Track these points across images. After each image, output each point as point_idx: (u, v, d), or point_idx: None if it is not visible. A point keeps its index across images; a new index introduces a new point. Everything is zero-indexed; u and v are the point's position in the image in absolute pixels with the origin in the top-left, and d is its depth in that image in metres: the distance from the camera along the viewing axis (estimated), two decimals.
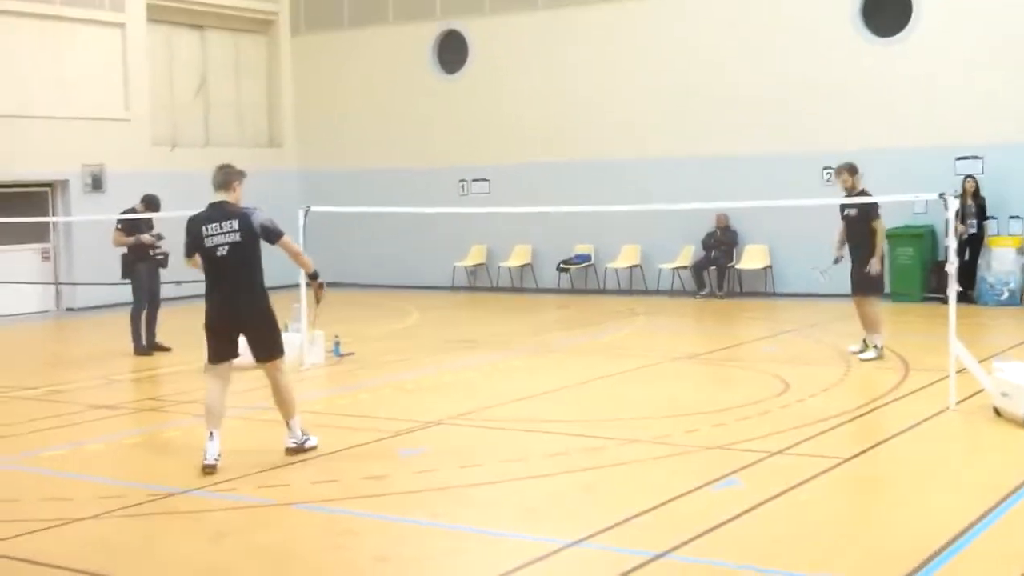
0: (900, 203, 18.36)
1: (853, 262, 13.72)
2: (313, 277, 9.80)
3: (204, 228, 9.22)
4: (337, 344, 14.78)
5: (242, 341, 9.41)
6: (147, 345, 15.66)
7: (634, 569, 6.42)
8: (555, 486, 8.43)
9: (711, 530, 7.06)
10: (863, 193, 13.56)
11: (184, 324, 17.11)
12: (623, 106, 22.81)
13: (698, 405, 11.22)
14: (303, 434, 9.51)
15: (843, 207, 13.68)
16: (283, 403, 9.47)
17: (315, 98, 26.70)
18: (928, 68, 20.06)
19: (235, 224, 9.15)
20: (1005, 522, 7.18)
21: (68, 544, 7.26)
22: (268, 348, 9.41)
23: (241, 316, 9.27)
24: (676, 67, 22.27)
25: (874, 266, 13.39)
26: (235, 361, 9.48)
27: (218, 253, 9.17)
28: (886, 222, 19.41)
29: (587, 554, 6.79)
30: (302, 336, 13.90)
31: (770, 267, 21.32)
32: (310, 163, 26.47)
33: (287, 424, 9.50)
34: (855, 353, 13.60)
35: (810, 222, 18.59)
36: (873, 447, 9.23)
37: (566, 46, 23.49)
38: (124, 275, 15.80)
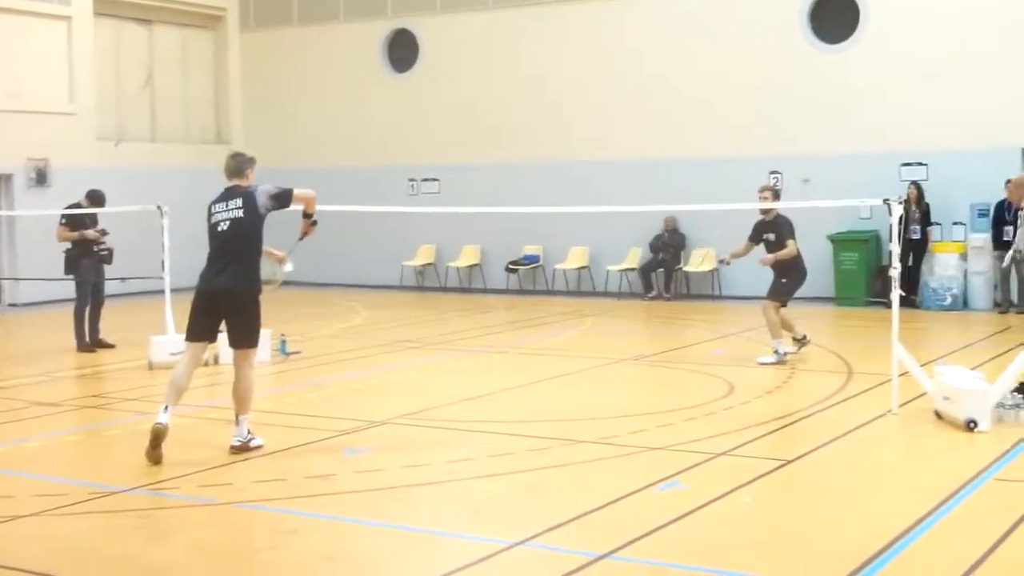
0: (845, 208, 18.54)
1: (773, 277, 13.97)
2: (308, 216, 9.77)
3: (212, 207, 9.42)
4: (284, 343, 14.71)
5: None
6: (90, 342, 15.50)
7: (578, 569, 6.44)
8: (500, 486, 8.43)
9: (655, 531, 7.09)
10: (778, 217, 13.79)
11: (128, 321, 17.02)
12: (573, 107, 22.87)
13: (643, 406, 11.27)
14: (249, 433, 9.45)
15: (762, 233, 13.89)
16: (241, 396, 9.43)
17: (264, 95, 26.55)
18: (874, 75, 20.29)
19: (240, 201, 9.32)
20: (946, 524, 7.27)
21: (8, 542, 7.16)
22: (244, 335, 9.43)
23: (226, 293, 9.27)
24: (627, 69, 22.37)
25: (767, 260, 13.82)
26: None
27: (219, 228, 9.31)
28: (832, 227, 19.80)
29: (531, 554, 6.80)
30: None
31: (717, 270, 21.46)
32: (258, 160, 26.16)
33: (236, 419, 9.44)
34: (794, 351, 13.89)
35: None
36: (815, 450, 9.31)
37: (517, 46, 23.53)
38: (68, 271, 15.63)
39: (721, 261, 15.01)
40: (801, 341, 13.96)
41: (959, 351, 14.41)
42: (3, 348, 17.80)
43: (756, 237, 14.02)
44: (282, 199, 9.47)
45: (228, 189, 9.48)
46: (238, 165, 9.55)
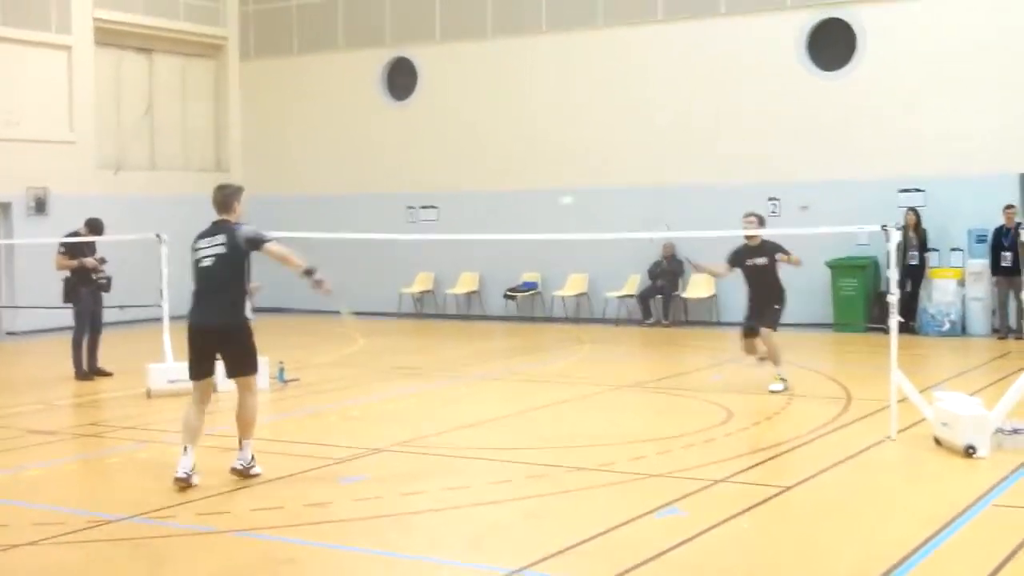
0: (843, 235, 18.57)
1: (759, 304, 13.78)
2: (308, 273, 9.46)
3: (197, 242, 9.46)
4: (282, 370, 14.70)
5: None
6: (88, 370, 15.48)
7: None
8: (499, 514, 8.41)
9: (654, 558, 7.07)
10: (764, 242, 13.72)
11: (126, 349, 17.00)
12: (571, 135, 22.93)
13: (642, 433, 11.26)
14: (252, 460, 9.44)
15: (746, 258, 13.75)
16: (244, 422, 9.46)
17: (263, 123, 26.62)
18: (872, 102, 20.36)
19: (223, 237, 9.32)
20: (945, 551, 7.25)
21: (6, 571, 7.14)
22: (240, 364, 9.45)
23: (216, 328, 9.31)
24: (625, 97, 22.44)
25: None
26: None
27: (202, 264, 9.35)
28: (830, 253, 19.82)
29: None
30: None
31: (715, 296, 21.46)
32: (257, 188, 26.16)
33: (240, 444, 9.44)
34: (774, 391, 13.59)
35: None
36: (814, 476, 9.29)
37: (516, 74, 23.61)
38: (66, 299, 15.63)
39: (688, 259, 14.94)
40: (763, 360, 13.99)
41: (958, 377, 14.41)
42: (1, 376, 17.77)
43: (736, 262, 13.90)
44: (254, 243, 9.33)
45: (214, 224, 9.49)
46: (225, 198, 9.55)
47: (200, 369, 9.44)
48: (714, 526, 7.80)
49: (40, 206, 22.56)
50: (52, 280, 16.06)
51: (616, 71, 22.58)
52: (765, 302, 13.75)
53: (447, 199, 24.20)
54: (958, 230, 19.70)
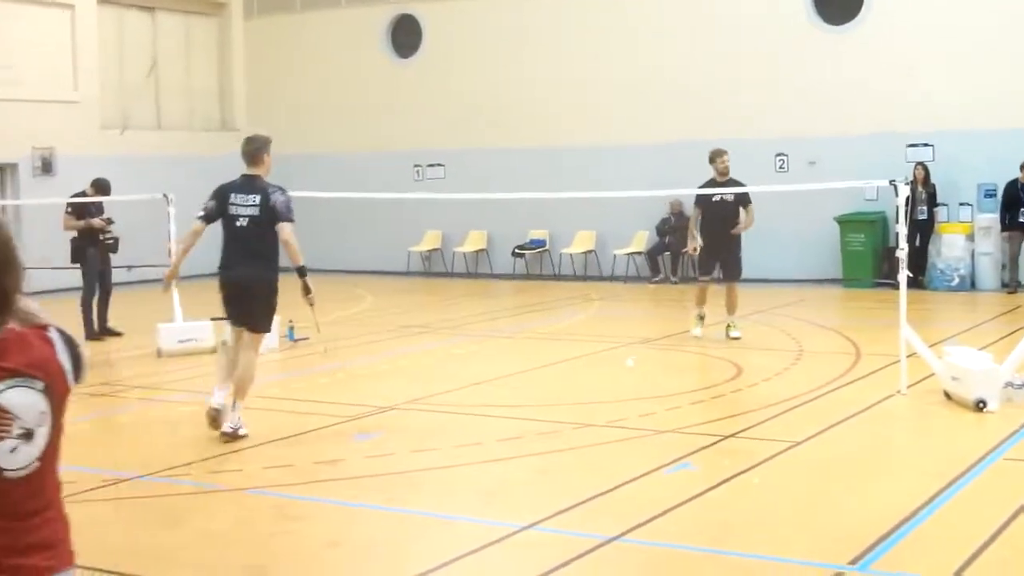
0: (852, 190, 18.52)
1: (719, 246, 13.97)
2: (300, 273, 9.59)
3: (232, 196, 9.52)
4: (291, 329, 14.70)
5: None
6: (99, 330, 15.50)
7: (588, 552, 6.45)
8: (509, 470, 8.44)
9: (664, 513, 7.10)
10: (731, 180, 13.95)
11: (136, 309, 17.01)
12: (578, 92, 22.82)
13: (651, 390, 11.27)
14: (240, 421, 9.37)
15: (714, 194, 13.90)
16: (241, 382, 9.46)
17: (268, 82, 26.52)
18: (880, 56, 20.22)
19: (257, 199, 9.42)
20: (954, 504, 7.27)
21: None
22: (254, 319, 9.61)
23: (243, 284, 9.49)
24: (630, 53, 22.31)
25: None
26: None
27: (237, 223, 9.45)
28: (839, 209, 19.77)
29: (541, 537, 6.81)
30: None
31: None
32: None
33: (233, 404, 9.40)
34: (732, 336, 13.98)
35: (763, 208, 18.70)
36: (824, 431, 9.31)
37: (521, 30, 23.47)
38: (74, 260, 15.63)
39: (685, 252, 14.91)
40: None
41: (967, 331, 14.39)
42: None
43: (704, 199, 13.99)
44: (275, 217, 9.42)
45: (247, 179, 9.59)
46: (254, 151, 9.65)
47: (235, 320, 9.70)
48: (724, 481, 7.83)
49: (46, 166, 22.53)
50: (60, 241, 16.06)
51: (622, 27, 22.42)
52: (727, 248, 13.95)
53: (454, 157, 24.13)
54: (967, 185, 19.62)
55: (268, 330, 9.83)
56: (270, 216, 9.39)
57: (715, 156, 14.13)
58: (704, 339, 13.96)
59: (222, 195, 9.57)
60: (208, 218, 9.59)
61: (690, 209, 21.37)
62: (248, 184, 9.55)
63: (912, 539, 6.59)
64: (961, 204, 19.71)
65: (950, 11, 19.74)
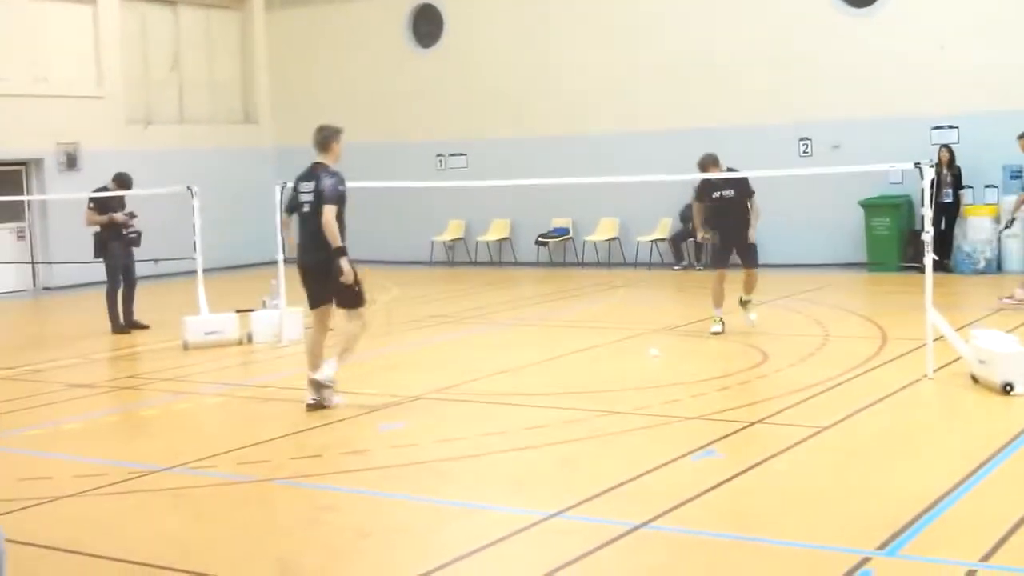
0: (876, 173, 18.44)
1: (732, 237, 13.61)
2: (335, 255, 9.84)
3: (298, 184, 10.15)
4: None
5: None
6: (124, 323, 15.59)
7: (615, 539, 6.45)
8: (535, 458, 8.45)
9: (691, 500, 7.10)
10: (730, 169, 13.57)
11: (162, 302, 17.11)
12: (599, 79, 22.77)
13: (676, 376, 11.25)
14: (333, 381, 9.93)
15: (712, 191, 13.46)
16: (342, 349, 10.05)
17: (290, 74, 26.57)
18: (903, 38, 20.09)
19: (314, 185, 9.96)
20: (982, 488, 7.24)
21: (49, 523, 7.24)
22: (341, 299, 10.05)
23: (313, 267, 9.98)
24: (653, 39, 22.24)
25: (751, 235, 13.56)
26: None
27: (303, 209, 10.07)
28: (863, 192, 19.68)
29: (568, 525, 6.82)
30: (280, 312, 13.87)
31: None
32: (286, 139, 26.29)
33: (333, 358, 9.96)
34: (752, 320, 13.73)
35: (787, 192, 18.68)
36: (851, 416, 9.27)
37: (542, 18, 23.42)
38: (97, 254, 15.73)
39: (696, 239, 14.58)
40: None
41: (993, 314, 14.30)
42: (38, 331, 17.96)
43: (704, 193, 13.65)
44: (320, 199, 9.86)
45: (311, 167, 10.09)
46: (324, 139, 10.17)
47: (314, 299, 10.15)
48: (751, 467, 7.81)
49: (71, 162, 22.65)
50: (85, 235, 16.16)
51: (644, 12, 22.34)
52: (739, 238, 13.54)
53: (476, 146, 24.12)
54: (992, 167, 19.48)
55: (357, 306, 10.12)
56: (321, 200, 9.80)
57: (707, 165, 13.44)
58: (728, 326, 13.85)
59: (295, 184, 10.15)
60: (288, 208, 10.31)
61: None
62: (310, 171, 10.09)
63: (940, 523, 6.56)
64: (987, 186, 19.56)
65: None
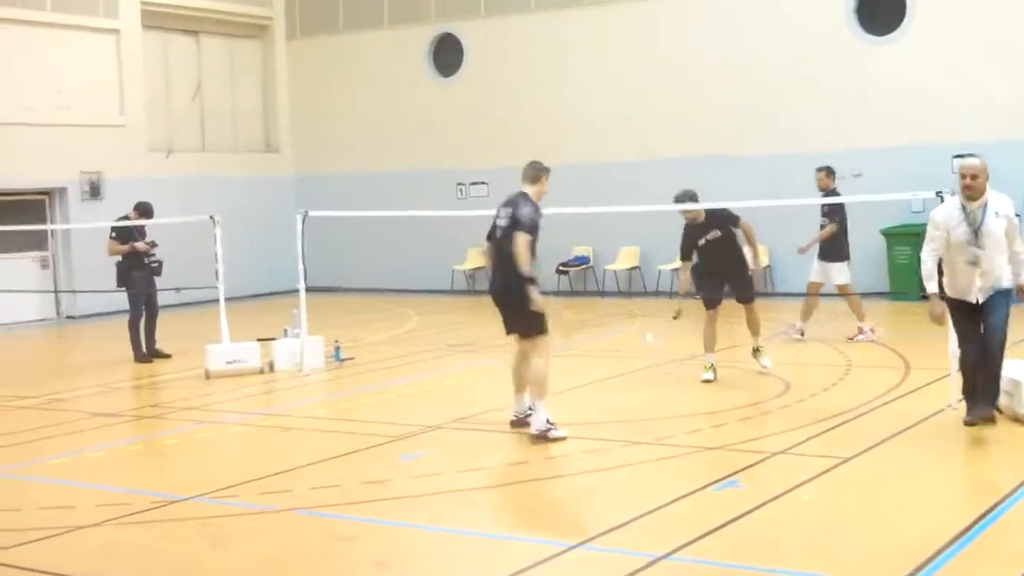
0: (898, 202, 18.38)
1: (725, 275, 12.99)
2: (527, 281, 9.91)
3: (498, 210, 10.30)
4: (337, 349, 14.78)
5: None
6: (147, 352, 15.65)
7: (637, 571, 6.42)
8: (557, 489, 8.43)
9: (713, 531, 7.06)
10: (709, 215, 12.87)
11: (184, 330, 17.17)
12: (619, 107, 22.83)
13: (698, 406, 11.23)
14: (549, 423, 9.75)
15: (697, 240, 12.83)
16: (533, 385, 10.00)
17: (311, 103, 26.70)
18: (923, 66, 20.09)
19: (510, 211, 10.06)
20: (1007, 521, 7.18)
21: (71, 552, 7.25)
22: (523, 326, 10.10)
23: (501, 294, 10.25)
24: (672, 68, 22.29)
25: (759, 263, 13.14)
26: None
27: (497, 234, 10.24)
28: (885, 221, 19.62)
29: (590, 556, 6.79)
30: (301, 341, 13.89)
31: (769, 267, 21.32)
32: (306, 168, 26.46)
33: (532, 405, 9.95)
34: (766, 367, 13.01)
35: (808, 221, 18.61)
36: (874, 446, 9.22)
37: (561, 48, 23.51)
38: (120, 283, 15.82)
39: (675, 318, 14.09)
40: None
41: (1018, 344, 14.20)
42: (61, 359, 18.02)
43: (689, 247, 12.88)
44: (510, 227, 10.00)
45: (516, 194, 10.18)
46: (534, 172, 10.28)
47: (507, 327, 10.33)
48: (774, 498, 7.77)
49: (95, 190, 22.79)
50: (108, 264, 16.23)
51: (664, 41, 22.41)
52: (732, 272, 12.91)
53: (496, 175, 24.11)
54: (1013, 194, 19.28)
55: (542, 332, 10.03)
56: (518, 227, 9.88)
57: (682, 207, 12.90)
58: (743, 361, 13.60)
59: (496, 211, 10.30)
60: (488, 235, 10.45)
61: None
62: (511, 199, 10.18)
63: (965, 556, 6.51)
64: None
65: (993, 18, 19.56)
